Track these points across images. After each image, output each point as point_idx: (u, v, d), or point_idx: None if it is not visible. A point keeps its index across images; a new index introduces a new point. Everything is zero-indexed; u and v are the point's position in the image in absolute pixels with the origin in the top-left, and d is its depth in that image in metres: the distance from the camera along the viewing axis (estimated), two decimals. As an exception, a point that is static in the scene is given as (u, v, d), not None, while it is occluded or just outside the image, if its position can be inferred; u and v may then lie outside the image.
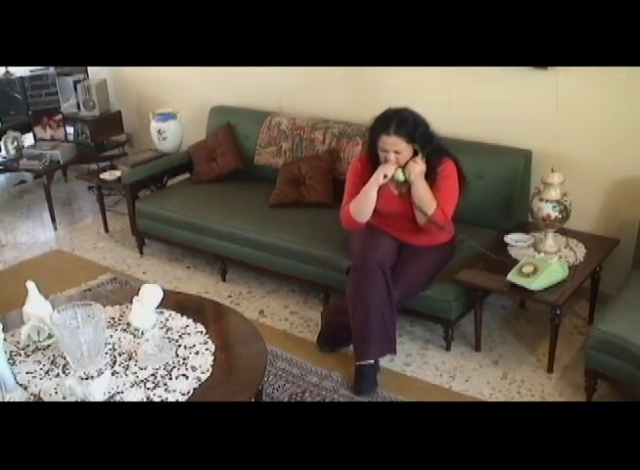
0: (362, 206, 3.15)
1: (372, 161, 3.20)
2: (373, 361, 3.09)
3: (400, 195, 3.22)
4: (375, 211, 3.20)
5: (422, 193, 3.10)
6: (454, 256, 3.36)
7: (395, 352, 3.16)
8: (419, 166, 3.08)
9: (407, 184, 3.13)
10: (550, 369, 3.16)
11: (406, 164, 3.09)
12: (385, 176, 3.08)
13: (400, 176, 3.09)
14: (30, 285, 2.71)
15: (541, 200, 3.20)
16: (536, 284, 2.97)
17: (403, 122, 3.05)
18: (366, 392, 3.05)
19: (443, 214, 3.11)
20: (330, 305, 3.65)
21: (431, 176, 3.13)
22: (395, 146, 3.05)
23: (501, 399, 3.01)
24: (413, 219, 3.18)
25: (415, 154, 3.10)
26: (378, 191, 3.15)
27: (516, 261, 3.15)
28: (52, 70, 5.49)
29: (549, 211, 3.18)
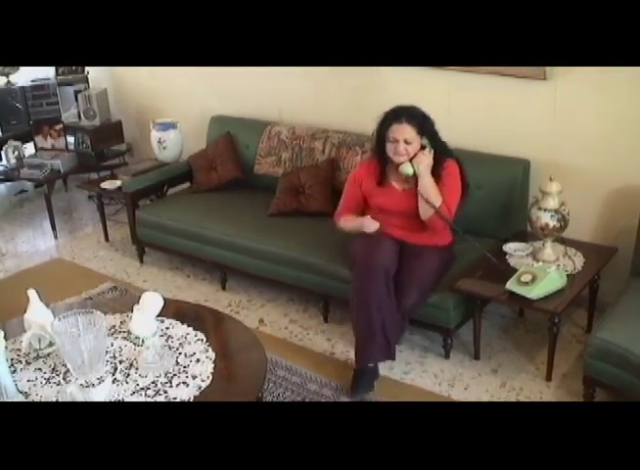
0: (351, 230, 3.35)
1: (379, 160, 3.29)
2: (372, 365, 3.11)
3: (404, 190, 3.28)
4: (378, 207, 3.29)
5: (428, 187, 3.15)
6: (455, 261, 3.37)
7: (394, 359, 3.17)
8: (427, 158, 3.16)
9: (414, 178, 3.18)
10: (549, 377, 3.17)
11: (414, 156, 3.15)
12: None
13: (409, 169, 3.15)
14: (32, 293, 2.72)
15: (539, 209, 3.22)
16: (535, 293, 2.98)
17: (414, 114, 3.17)
18: (360, 395, 3.09)
19: (448, 210, 3.16)
20: None
21: (436, 172, 3.19)
22: (406, 134, 3.13)
23: (500, 407, 3.02)
24: (416, 216, 3.21)
25: (422, 148, 3.18)
26: (382, 186, 3.31)
27: (514, 270, 3.17)
28: (53, 79, 5.51)
29: (547, 219, 3.20)
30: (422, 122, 3.17)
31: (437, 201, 3.14)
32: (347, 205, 3.41)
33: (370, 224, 3.24)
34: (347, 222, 3.37)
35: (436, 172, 3.20)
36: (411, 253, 3.24)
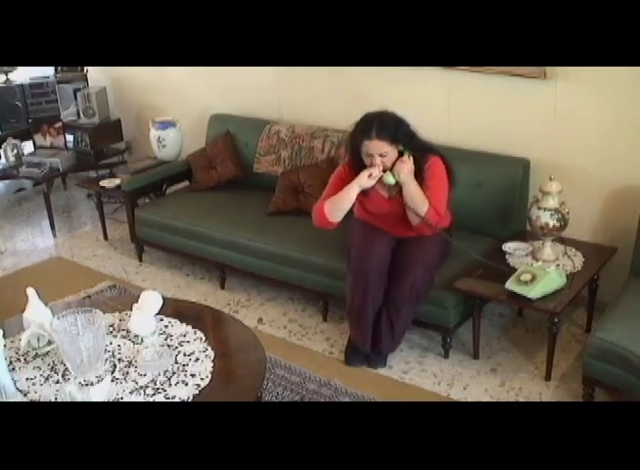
0: (338, 205, 3.16)
1: (355, 168, 3.21)
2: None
3: (390, 198, 3.24)
4: (368, 212, 3.28)
5: (413, 193, 3.11)
6: (451, 251, 3.35)
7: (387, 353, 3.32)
8: (407, 166, 3.10)
9: (398, 186, 3.14)
10: (548, 377, 3.17)
11: (393, 165, 3.10)
12: (370, 176, 3.09)
13: (390, 179, 3.10)
14: (31, 291, 2.71)
15: (539, 208, 3.22)
16: (534, 292, 2.98)
17: (384, 125, 3.07)
18: (355, 364, 3.31)
19: (436, 213, 3.12)
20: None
21: (419, 174, 3.15)
22: (380, 149, 3.07)
23: (499, 406, 3.02)
24: (406, 217, 3.20)
25: (400, 155, 3.12)
26: (367, 194, 3.23)
27: (514, 269, 3.17)
28: (52, 77, 5.51)
29: (547, 219, 3.20)
30: (393, 131, 3.07)
31: (424, 207, 3.10)
32: (331, 194, 3.24)
33: (362, 179, 3.10)
34: (332, 199, 3.18)
35: (420, 175, 3.15)
36: (408, 242, 3.24)
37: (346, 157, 3.40)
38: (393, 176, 3.10)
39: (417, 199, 3.11)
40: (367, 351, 3.26)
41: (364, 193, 3.24)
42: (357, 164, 3.20)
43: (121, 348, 2.67)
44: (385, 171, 3.11)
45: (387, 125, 3.08)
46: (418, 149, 3.16)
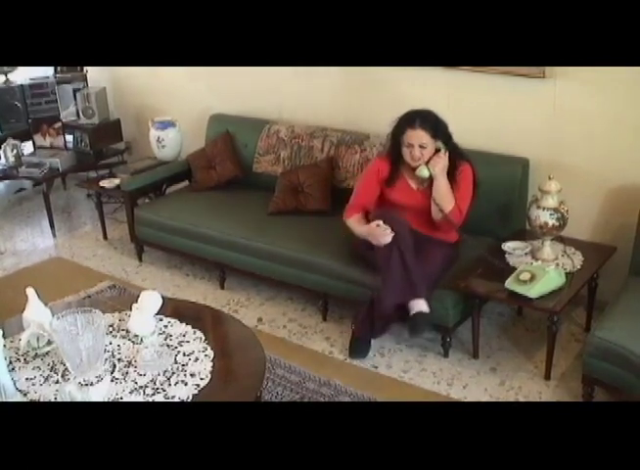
0: (359, 234, 3.33)
1: (393, 162, 3.34)
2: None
3: (419, 190, 3.33)
4: (391, 203, 3.35)
5: (443, 189, 3.22)
6: (459, 259, 3.37)
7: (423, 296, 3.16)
8: (442, 161, 3.21)
9: (429, 180, 3.25)
10: (547, 376, 3.17)
11: (430, 159, 3.21)
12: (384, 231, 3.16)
13: (425, 172, 3.21)
14: (30, 291, 2.71)
15: (539, 208, 3.22)
16: (534, 291, 2.98)
17: (427, 118, 3.22)
18: (359, 356, 3.36)
19: (459, 213, 3.23)
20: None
21: (451, 175, 3.25)
22: (421, 139, 3.18)
23: (499, 406, 3.02)
24: (428, 214, 3.28)
25: (437, 151, 3.23)
26: (394, 184, 3.34)
27: (513, 269, 3.17)
28: (52, 78, 5.51)
29: (546, 218, 3.20)
30: (435, 126, 3.21)
31: (450, 204, 3.21)
32: (360, 198, 3.42)
33: (383, 235, 3.14)
34: (357, 225, 3.35)
35: (452, 175, 3.26)
36: (418, 243, 3.24)
37: (385, 149, 3.50)
38: (428, 169, 3.20)
39: (445, 195, 3.22)
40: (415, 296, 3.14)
41: (390, 183, 3.35)
42: (395, 159, 3.32)
43: (121, 347, 2.67)
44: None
45: (430, 119, 3.22)
46: (453, 151, 3.27)
